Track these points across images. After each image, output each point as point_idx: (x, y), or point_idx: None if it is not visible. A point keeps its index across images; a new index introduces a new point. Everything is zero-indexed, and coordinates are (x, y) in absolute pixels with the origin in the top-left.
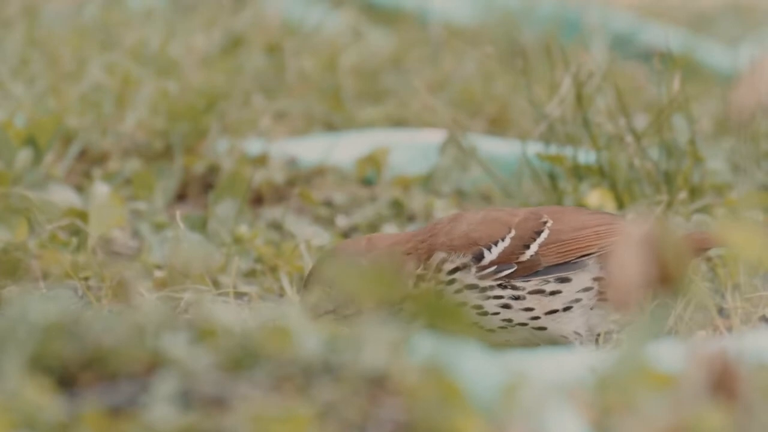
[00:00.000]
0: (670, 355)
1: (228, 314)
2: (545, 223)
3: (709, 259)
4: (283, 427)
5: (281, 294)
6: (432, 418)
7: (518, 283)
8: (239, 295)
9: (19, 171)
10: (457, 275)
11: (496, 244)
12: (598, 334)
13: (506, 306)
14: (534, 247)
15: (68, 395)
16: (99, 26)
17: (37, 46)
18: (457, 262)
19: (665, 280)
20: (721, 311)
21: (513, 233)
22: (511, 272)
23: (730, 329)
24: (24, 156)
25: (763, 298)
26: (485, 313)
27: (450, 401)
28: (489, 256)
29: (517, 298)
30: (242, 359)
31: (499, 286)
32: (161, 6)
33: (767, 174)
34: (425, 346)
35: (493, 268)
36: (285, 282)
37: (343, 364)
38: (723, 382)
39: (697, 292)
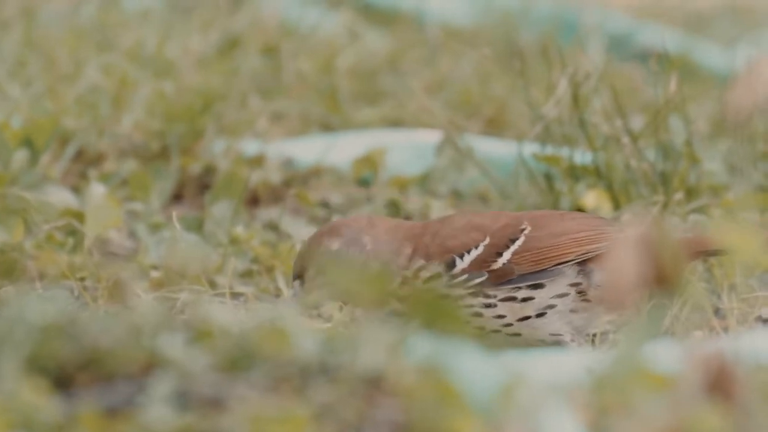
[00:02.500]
0: (666, 355)
1: (225, 315)
2: (523, 230)
3: (705, 260)
4: (280, 427)
5: (278, 295)
6: (429, 419)
7: (490, 291)
8: (236, 296)
9: (15, 172)
10: (431, 285)
11: (468, 252)
12: (591, 335)
13: (477, 314)
14: (507, 255)
15: (65, 396)
16: (96, 27)
17: (34, 48)
18: (432, 272)
19: (662, 281)
20: (717, 312)
21: (487, 240)
22: (483, 280)
23: (726, 330)
24: (20, 157)
25: (760, 298)
26: None
27: (447, 402)
28: (460, 264)
29: (488, 306)
30: (239, 360)
31: (471, 294)
32: (158, 7)
33: (764, 175)
34: (422, 346)
35: (464, 277)
36: (281, 282)
37: (340, 365)
38: (720, 383)
39: (694, 292)
